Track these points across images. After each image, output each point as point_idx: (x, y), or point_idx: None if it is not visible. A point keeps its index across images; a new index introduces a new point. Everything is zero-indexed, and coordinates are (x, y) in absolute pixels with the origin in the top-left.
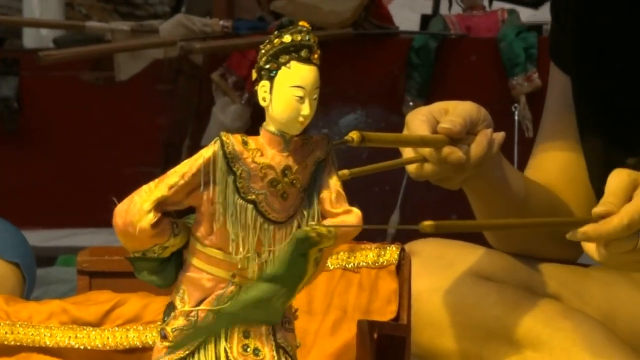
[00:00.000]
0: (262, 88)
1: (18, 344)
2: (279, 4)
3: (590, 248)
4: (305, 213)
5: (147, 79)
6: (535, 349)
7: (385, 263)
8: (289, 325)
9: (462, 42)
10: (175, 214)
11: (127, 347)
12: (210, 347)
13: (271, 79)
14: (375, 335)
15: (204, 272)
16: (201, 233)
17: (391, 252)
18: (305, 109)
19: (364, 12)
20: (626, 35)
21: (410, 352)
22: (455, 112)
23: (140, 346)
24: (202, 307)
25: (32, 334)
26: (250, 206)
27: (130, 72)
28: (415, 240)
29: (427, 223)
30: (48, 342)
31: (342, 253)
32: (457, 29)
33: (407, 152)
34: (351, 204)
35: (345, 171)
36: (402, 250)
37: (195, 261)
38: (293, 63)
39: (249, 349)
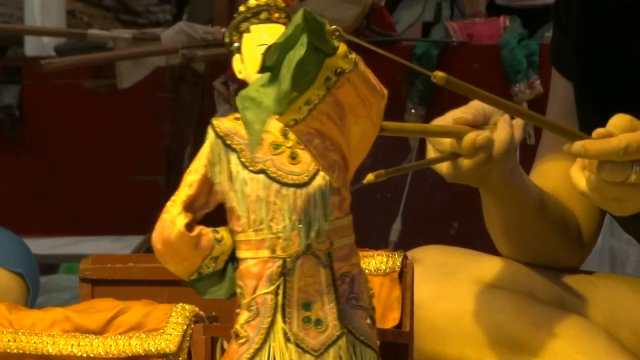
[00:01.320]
0: (236, 62)
1: (21, 352)
2: None
3: (578, 177)
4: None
5: (149, 86)
6: (538, 356)
7: (388, 270)
8: (356, 302)
9: (463, 49)
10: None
11: (130, 355)
12: (275, 329)
13: (239, 50)
14: (378, 342)
15: (248, 259)
16: (233, 223)
17: (394, 260)
18: None
19: (366, 19)
20: (629, 40)
21: (413, 359)
22: (466, 106)
23: (142, 354)
24: (258, 293)
25: (34, 342)
26: (261, 176)
27: (132, 79)
28: (417, 248)
29: (440, 74)
30: (51, 350)
31: None
32: (459, 36)
33: (431, 154)
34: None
35: (382, 171)
36: (405, 257)
37: (239, 253)
38: (252, 27)
39: (310, 322)
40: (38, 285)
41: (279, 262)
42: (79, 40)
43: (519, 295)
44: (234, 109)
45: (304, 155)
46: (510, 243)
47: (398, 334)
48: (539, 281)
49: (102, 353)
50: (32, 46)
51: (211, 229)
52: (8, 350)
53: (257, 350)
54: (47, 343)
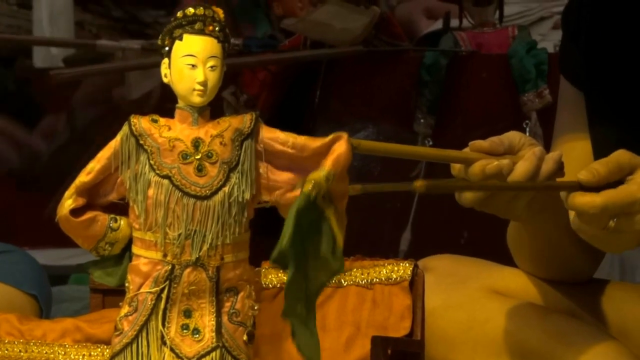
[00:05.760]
0: (163, 65)
1: None
2: (290, 22)
3: (570, 212)
4: (234, 189)
5: (158, 97)
6: None
7: (398, 279)
8: (236, 318)
9: (472, 58)
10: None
11: None
12: (150, 329)
13: (169, 54)
14: (389, 351)
15: (141, 257)
16: (132, 219)
17: (404, 269)
18: (199, 76)
19: (375, 29)
20: None
21: None
22: (498, 136)
23: None
24: (141, 291)
25: (45, 352)
26: (165, 181)
27: (141, 90)
28: (428, 257)
29: (419, 183)
30: None
31: (355, 270)
32: (467, 46)
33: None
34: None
35: (357, 186)
36: (416, 266)
37: (134, 248)
38: (185, 35)
39: (188, 329)
40: (50, 307)
41: (168, 267)
42: (87, 51)
43: (530, 304)
44: None
45: (211, 169)
46: (532, 261)
47: (409, 343)
48: (550, 290)
49: None
50: (40, 57)
51: (111, 216)
52: None
53: (127, 345)
54: (59, 353)
